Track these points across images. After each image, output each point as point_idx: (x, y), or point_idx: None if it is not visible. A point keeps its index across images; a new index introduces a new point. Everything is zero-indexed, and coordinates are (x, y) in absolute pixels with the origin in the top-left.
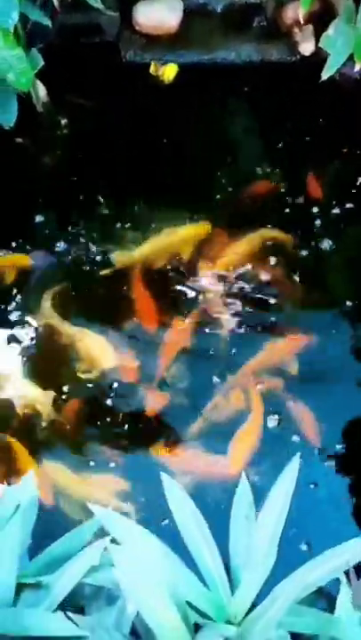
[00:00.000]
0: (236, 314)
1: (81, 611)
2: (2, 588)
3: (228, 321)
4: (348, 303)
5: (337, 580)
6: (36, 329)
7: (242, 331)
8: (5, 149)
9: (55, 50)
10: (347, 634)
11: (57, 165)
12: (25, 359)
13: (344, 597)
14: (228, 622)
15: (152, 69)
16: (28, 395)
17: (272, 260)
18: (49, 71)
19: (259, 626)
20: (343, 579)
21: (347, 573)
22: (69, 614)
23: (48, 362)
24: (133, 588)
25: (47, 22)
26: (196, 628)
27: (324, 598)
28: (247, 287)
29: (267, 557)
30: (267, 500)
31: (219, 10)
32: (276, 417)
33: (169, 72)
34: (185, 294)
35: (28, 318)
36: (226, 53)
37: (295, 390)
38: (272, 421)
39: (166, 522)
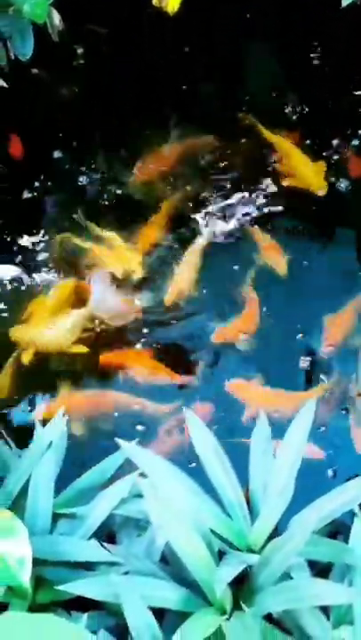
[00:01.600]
0: None
1: (112, 539)
2: (40, 518)
3: None
4: None
5: (352, 512)
6: None
7: None
8: (22, 80)
9: None
10: (360, 562)
11: (72, 95)
12: None
13: (358, 528)
14: (249, 550)
15: (155, 1)
16: None
17: None
18: None
19: (279, 555)
20: (358, 511)
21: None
22: (103, 542)
23: None
24: (161, 519)
25: None
26: (220, 556)
27: (339, 529)
28: None
29: (284, 490)
30: (285, 435)
31: None
32: None
33: (173, 1)
34: None
35: None
36: None
37: None
38: None
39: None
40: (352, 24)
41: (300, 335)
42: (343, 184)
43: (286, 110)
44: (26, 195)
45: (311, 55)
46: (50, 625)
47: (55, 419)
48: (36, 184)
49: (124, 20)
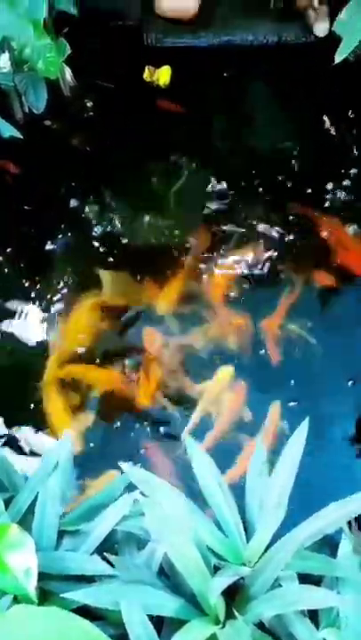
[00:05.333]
0: None
1: (115, 554)
2: (46, 535)
3: None
4: None
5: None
6: None
7: None
8: (35, 131)
9: (80, 34)
10: (348, 575)
11: (83, 146)
12: None
13: (346, 544)
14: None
15: (146, 75)
16: None
17: None
18: (74, 54)
19: (269, 567)
20: (346, 528)
21: (349, 523)
22: (105, 555)
23: None
24: (161, 534)
25: (74, 12)
26: (215, 570)
27: (328, 545)
28: None
29: (278, 509)
30: (279, 458)
31: None
32: None
33: (164, 75)
34: None
35: None
36: (244, 35)
37: None
38: None
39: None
40: None
41: None
42: None
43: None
44: (48, 246)
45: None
46: (58, 617)
47: (62, 439)
48: (56, 234)
49: (128, 76)
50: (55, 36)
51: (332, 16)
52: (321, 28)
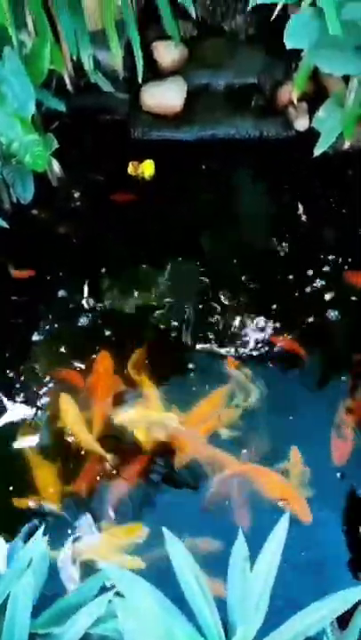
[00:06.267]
0: None
1: None
2: (16, 639)
3: None
4: None
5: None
6: None
7: None
8: (22, 221)
9: (68, 128)
10: None
11: (70, 235)
12: None
13: None
14: None
15: (130, 170)
16: None
17: None
18: (63, 148)
19: None
20: (328, 629)
21: (332, 623)
22: None
23: None
24: (135, 637)
25: (62, 108)
26: None
27: None
28: None
29: (258, 611)
30: (258, 557)
31: (220, 90)
32: None
33: (147, 168)
34: None
35: None
36: (227, 129)
37: None
38: None
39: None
40: None
41: None
42: None
43: None
44: (35, 337)
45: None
46: None
47: (35, 539)
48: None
49: (115, 168)
50: (43, 131)
51: (312, 112)
52: (301, 124)
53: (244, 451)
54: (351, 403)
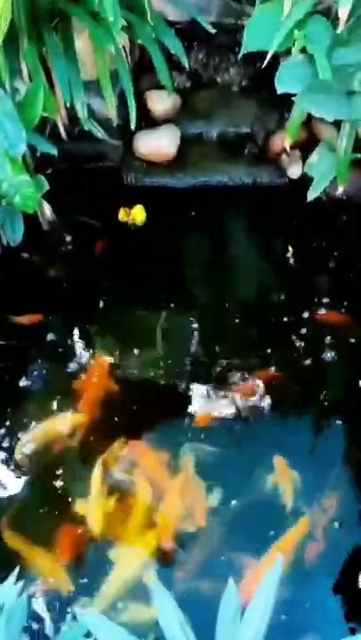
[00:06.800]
0: None
1: None
2: None
3: None
4: None
5: None
6: None
7: None
8: (11, 263)
9: (61, 174)
10: None
11: (60, 279)
12: None
13: None
14: None
15: (121, 216)
16: None
17: None
18: (55, 193)
19: None
20: None
21: None
22: None
23: None
24: None
25: (54, 152)
26: None
27: None
28: None
29: None
30: (249, 605)
31: (213, 138)
32: None
33: (138, 214)
34: None
35: None
36: (220, 177)
37: None
38: None
39: None
40: None
41: None
42: None
43: None
44: (23, 382)
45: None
46: None
47: (7, 583)
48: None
49: (107, 213)
50: (34, 173)
51: (304, 160)
52: (294, 172)
53: None
54: None
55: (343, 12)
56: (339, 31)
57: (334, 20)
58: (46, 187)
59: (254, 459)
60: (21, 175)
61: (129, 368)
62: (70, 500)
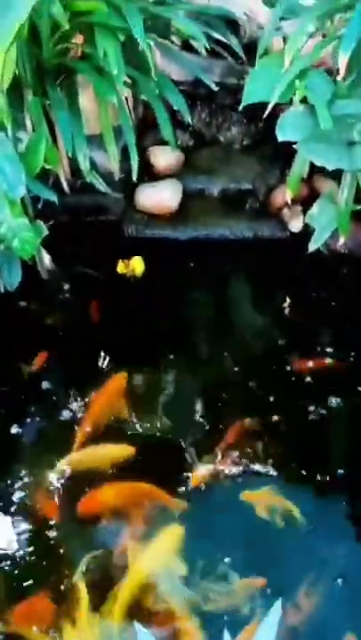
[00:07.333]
0: None
1: None
2: None
3: None
4: None
5: None
6: None
7: None
8: (8, 311)
9: (62, 226)
10: None
11: (57, 328)
12: None
13: None
14: None
15: (120, 269)
16: None
17: None
18: (56, 245)
19: None
20: None
21: None
22: None
23: None
24: None
25: (54, 198)
26: None
27: None
28: None
29: None
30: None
31: (215, 194)
32: None
33: (137, 266)
34: None
35: None
36: (221, 230)
37: None
38: None
39: None
40: None
41: None
42: None
43: None
44: (14, 429)
45: None
46: None
47: None
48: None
49: (107, 264)
50: (33, 219)
51: (306, 214)
52: (295, 225)
53: None
54: None
55: (343, 61)
56: (339, 78)
57: (335, 74)
58: (45, 232)
59: None
60: (20, 219)
61: (124, 423)
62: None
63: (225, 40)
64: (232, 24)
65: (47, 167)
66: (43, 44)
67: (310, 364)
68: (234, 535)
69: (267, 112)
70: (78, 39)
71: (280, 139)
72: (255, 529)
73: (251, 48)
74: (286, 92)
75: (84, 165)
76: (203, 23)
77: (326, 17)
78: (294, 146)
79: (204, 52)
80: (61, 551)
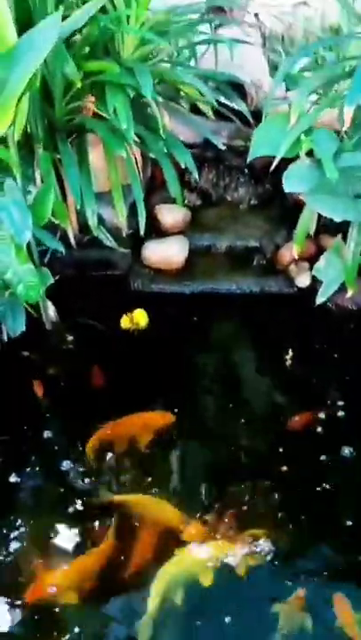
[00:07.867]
0: None
1: None
2: None
3: None
4: None
5: None
6: None
7: None
8: (10, 360)
9: (68, 280)
10: None
11: (58, 379)
12: None
13: None
14: None
15: (124, 323)
16: None
17: None
18: (61, 298)
19: None
20: None
21: None
22: None
23: None
24: None
25: (60, 248)
26: None
27: None
28: None
29: None
30: None
31: (222, 251)
32: None
33: (141, 318)
34: None
35: None
36: (228, 285)
37: None
38: None
39: None
40: None
41: None
42: None
43: None
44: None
45: None
46: None
47: None
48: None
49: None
50: (39, 265)
51: (312, 270)
52: (302, 281)
53: None
54: None
55: (348, 114)
56: (344, 129)
57: (341, 134)
58: (51, 280)
59: None
60: (26, 264)
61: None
62: None
63: (233, 105)
64: (239, 89)
65: (55, 222)
66: (55, 103)
67: (313, 417)
68: None
69: (273, 165)
70: (90, 99)
71: (287, 190)
72: None
73: (257, 115)
74: (293, 148)
75: (92, 221)
76: (211, 88)
77: (328, 86)
78: (301, 197)
79: (211, 114)
80: None
